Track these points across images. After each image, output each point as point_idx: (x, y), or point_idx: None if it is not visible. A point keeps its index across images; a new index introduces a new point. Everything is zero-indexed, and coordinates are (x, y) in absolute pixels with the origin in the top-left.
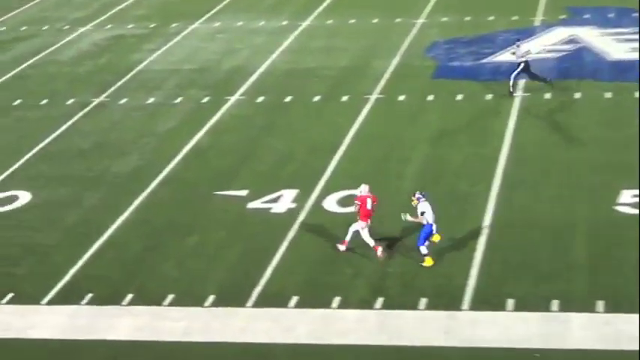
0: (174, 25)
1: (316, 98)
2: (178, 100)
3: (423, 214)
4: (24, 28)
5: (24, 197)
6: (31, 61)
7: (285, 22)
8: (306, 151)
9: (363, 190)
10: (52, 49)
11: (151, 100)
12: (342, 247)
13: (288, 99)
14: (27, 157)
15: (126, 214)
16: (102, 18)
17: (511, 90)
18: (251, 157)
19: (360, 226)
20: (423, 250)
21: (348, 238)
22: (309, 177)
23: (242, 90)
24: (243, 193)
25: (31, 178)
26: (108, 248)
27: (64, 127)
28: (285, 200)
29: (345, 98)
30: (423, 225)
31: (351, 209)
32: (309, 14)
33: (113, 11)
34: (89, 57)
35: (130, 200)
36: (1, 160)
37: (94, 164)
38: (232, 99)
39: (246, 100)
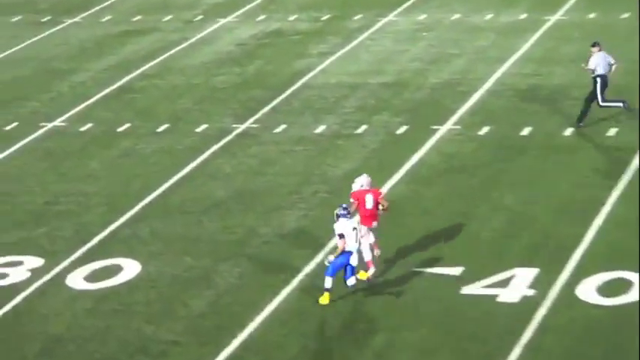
0: (356, 17)
1: (567, 132)
2: (361, 129)
3: (341, 237)
4: (137, 17)
5: (130, 268)
6: (144, 68)
7: (523, 16)
8: (551, 211)
9: (362, 182)
10: (176, 49)
11: (321, 128)
12: (371, 271)
13: (525, 131)
14: (136, 208)
15: (277, 302)
16: (251, 5)
17: None
18: (468, 219)
19: (360, 234)
20: (327, 282)
21: (367, 257)
22: (556, 250)
23: (456, 117)
24: (456, 271)
25: (141, 239)
26: (256, 350)
27: (191, 166)
28: (518, 284)
29: (612, 132)
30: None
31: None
32: (560, 4)
33: None
34: (231, 63)
35: (286, 279)
36: (101, 212)
37: (234, 221)
38: (442, 130)
39: (463, 131)
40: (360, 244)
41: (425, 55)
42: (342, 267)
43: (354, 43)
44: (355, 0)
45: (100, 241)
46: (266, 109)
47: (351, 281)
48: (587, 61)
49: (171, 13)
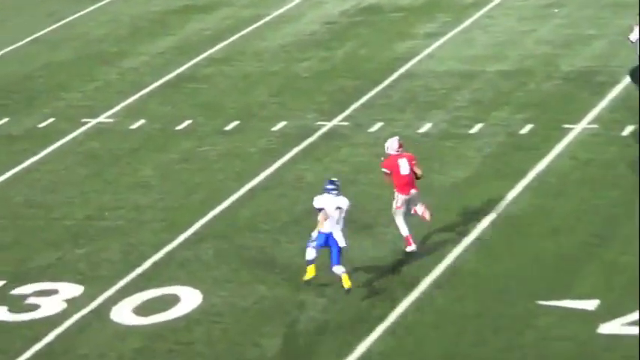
0: None
1: None
2: (476, 128)
3: (320, 211)
4: None
5: (190, 298)
6: (210, 51)
7: None
8: None
9: (392, 146)
10: (249, 29)
11: (427, 127)
12: (410, 248)
13: None
14: (198, 225)
15: (369, 342)
16: None
17: None
18: (606, 241)
19: (396, 205)
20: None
21: (405, 232)
22: None
23: (593, 114)
24: (590, 305)
25: (203, 263)
26: None
27: (266, 173)
28: None
29: None
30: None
31: None
32: None
33: None
34: (316, 46)
35: (381, 315)
36: (155, 230)
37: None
38: (575, 129)
39: (601, 132)
40: (340, 227)
41: (555, 37)
42: (322, 247)
43: (469, 21)
44: None
45: (154, 265)
46: (358, 103)
47: (337, 269)
48: None
49: None
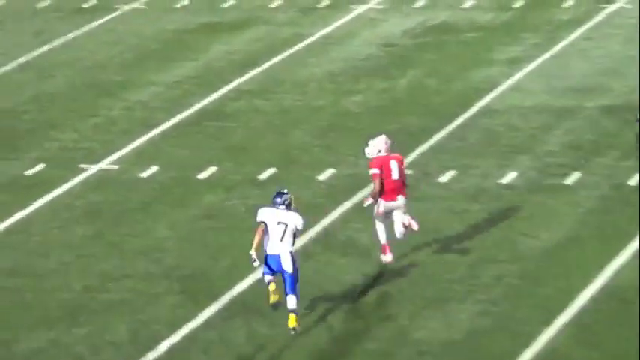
0: (567, 3)
1: None
2: (572, 178)
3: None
4: (230, 2)
5: None
6: (240, 80)
7: None
8: None
9: (380, 146)
10: (289, 52)
11: (511, 176)
12: (386, 258)
13: None
14: (226, 297)
15: None
16: None
17: None
18: None
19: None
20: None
21: (383, 239)
22: None
23: None
24: None
25: (234, 346)
26: None
27: (310, 234)
28: None
29: None
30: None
31: None
32: None
33: None
34: (372, 74)
35: None
36: (171, 305)
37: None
38: None
39: None
40: (288, 247)
41: None
42: (271, 273)
43: (563, 44)
44: None
45: (170, 349)
46: (425, 145)
47: (289, 301)
48: None
49: None
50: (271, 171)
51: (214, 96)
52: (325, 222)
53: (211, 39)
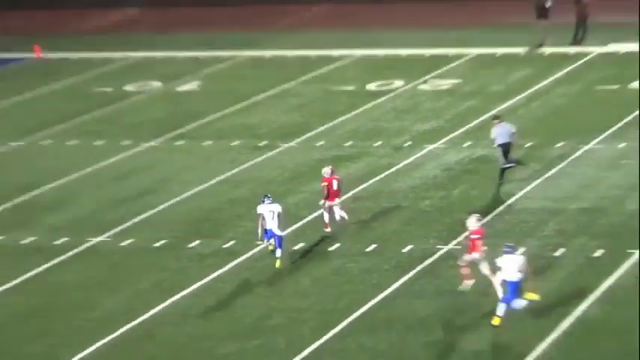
0: (558, 145)
1: None
2: (559, 252)
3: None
4: (349, 143)
5: None
6: (355, 190)
7: None
8: None
9: (327, 172)
10: (385, 174)
11: (521, 250)
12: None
13: None
14: (344, 323)
15: None
16: (458, 132)
17: None
18: None
19: (325, 205)
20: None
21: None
22: None
23: None
24: None
25: (348, 352)
26: None
27: (396, 284)
28: None
29: None
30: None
31: None
32: None
33: (474, 123)
34: (437, 187)
35: None
36: (311, 327)
37: (437, 338)
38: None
39: None
40: (276, 223)
41: (625, 183)
42: (270, 237)
43: (555, 169)
44: (557, 128)
45: (311, 353)
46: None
47: (278, 252)
48: None
49: (381, 139)
50: (374, 246)
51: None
52: (406, 277)
53: (338, 164)
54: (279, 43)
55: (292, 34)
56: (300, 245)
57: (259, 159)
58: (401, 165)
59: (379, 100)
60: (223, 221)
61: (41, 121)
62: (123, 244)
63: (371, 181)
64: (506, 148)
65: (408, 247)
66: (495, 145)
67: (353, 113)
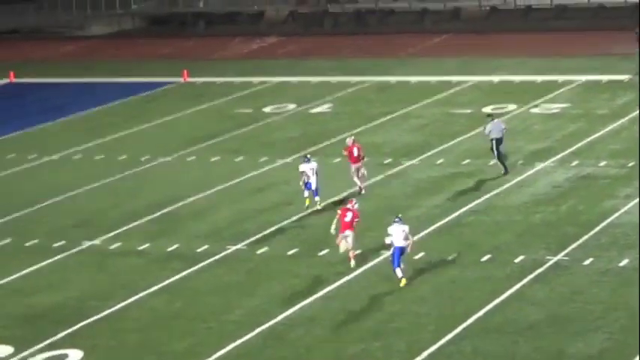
0: None
1: None
2: None
3: (302, 173)
4: (466, 161)
5: None
6: (471, 205)
7: None
8: None
9: (349, 141)
10: (499, 190)
11: (625, 262)
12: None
13: None
14: (460, 327)
15: None
16: (566, 152)
17: None
18: None
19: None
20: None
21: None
22: None
23: None
24: None
25: (464, 355)
26: None
27: (509, 292)
28: None
29: None
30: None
31: None
32: None
33: (581, 143)
34: (547, 203)
35: None
36: (430, 330)
37: (546, 343)
38: None
39: None
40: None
41: None
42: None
43: None
44: None
45: (429, 355)
46: (576, 243)
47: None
48: None
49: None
50: (488, 256)
51: (457, 213)
52: (517, 286)
53: (456, 182)
54: (404, 69)
55: (415, 62)
56: (421, 255)
57: (384, 175)
58: (514, 182)
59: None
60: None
61: (187, 139)
62: (259, 252)
63: (486, 196)
64: (498, 142)
65: (520, 258)
66: (490, 138)
67: (470, 134)
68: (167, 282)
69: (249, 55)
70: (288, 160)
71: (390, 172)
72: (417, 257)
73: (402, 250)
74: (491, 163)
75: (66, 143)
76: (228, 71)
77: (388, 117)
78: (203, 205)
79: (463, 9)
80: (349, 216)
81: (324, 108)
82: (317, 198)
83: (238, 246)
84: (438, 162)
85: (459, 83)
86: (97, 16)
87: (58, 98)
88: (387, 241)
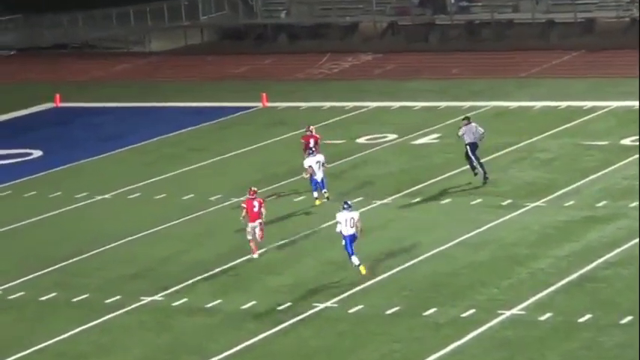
0: None
1: None
2: None
3: (309, 167)
4: (603, 203)
5: None
6: (608, 256)
7: None
8: None
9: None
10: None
11: None
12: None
13: None
14: None
15: None
16: None
17: None
18: None
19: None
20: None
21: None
22: None
23: None
24: None
25: None
26: None
27: None
28: None
29: None
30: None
31: None
32: None
33: None
34: None
35: None
36: None
37: None
38: None
39: None
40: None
41: None
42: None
43: None
44: None
45: None
46: None
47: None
48: None
49: (637, 199)
50: (629, 318)
51: (590, 266)
52: None
53: (590, 227)
54: (525, 93)
55: (539, 84)
56: (547, 316)
57: (502, 219)
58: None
59: (636, 156)
60: (462, 287)
61: (267, 175)
62: (351, 310)
63: (626, 246)
64: (473, 147)
65: None
66: (464, 143)
67: (606, 170)
68: (243, 345)
69: (339, 76)
70: (387, 200)
71: (509, 216)
72: (542, 318)
73: (352, 238)
74: (475, 173)
75: (121, 180)
76: (315, 94)
77: (507, 150)
78: (283, 254)
79: (597, 20)
80: (257, 206)
81: (429, 139)
82: (324, 191)
83: (327, 304)
84: (567, 204)
85: (592, 109)
86: (159, 29)
87: (111, 126)
88: (337, 229)
